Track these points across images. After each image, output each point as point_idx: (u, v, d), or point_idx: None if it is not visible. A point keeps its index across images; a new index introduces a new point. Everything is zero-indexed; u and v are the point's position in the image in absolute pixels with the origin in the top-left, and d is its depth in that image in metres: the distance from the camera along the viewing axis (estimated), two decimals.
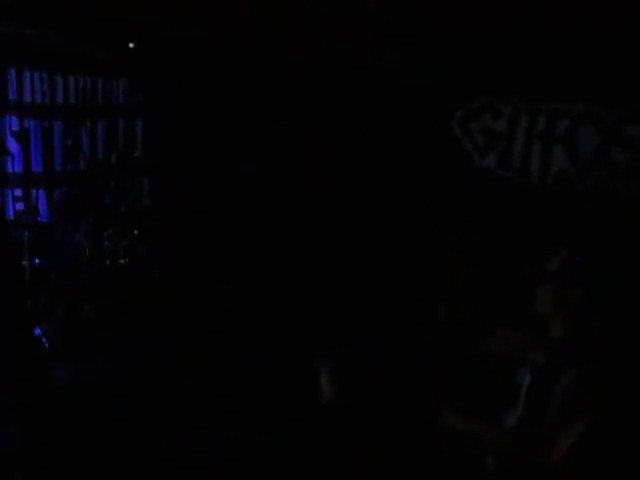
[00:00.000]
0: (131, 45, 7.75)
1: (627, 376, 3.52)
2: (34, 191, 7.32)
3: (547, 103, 6.12)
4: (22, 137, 7.14)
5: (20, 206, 7.16)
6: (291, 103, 7.29)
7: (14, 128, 7.07)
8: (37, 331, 6.31)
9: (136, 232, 7.66)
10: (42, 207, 7.40)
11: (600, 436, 2.99)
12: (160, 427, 5.15)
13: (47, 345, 6.24)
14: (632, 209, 5.77)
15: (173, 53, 7.68)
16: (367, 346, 4.19)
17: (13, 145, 7.07)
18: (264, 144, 7.53)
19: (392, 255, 6.33)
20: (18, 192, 7.16)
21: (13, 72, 6.96)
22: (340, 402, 3.81)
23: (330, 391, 3.83)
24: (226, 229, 7.47)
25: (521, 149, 6.31)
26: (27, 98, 7.13)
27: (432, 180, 6.54)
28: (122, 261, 7.41)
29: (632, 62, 5.65)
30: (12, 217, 7.07)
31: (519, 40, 6.06)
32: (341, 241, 6.68)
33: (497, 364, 3.75)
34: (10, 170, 7.07)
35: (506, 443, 3.17)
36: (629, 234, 5.65)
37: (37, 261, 6.71)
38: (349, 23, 7.00)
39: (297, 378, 4.84)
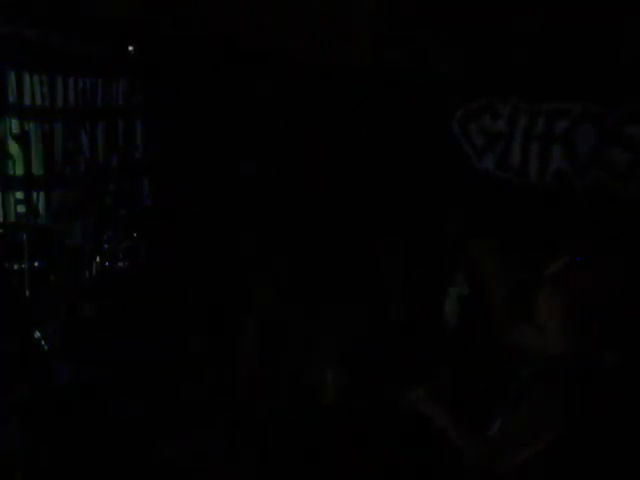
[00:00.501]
0: (130, 48, 7.76)
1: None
2: (35, 194, 7.32)
3: (547, 103, 6.12)
4: (23, 140, 7.14)
5: (21, 209, 7.17)
6: (291, 103, 7.29)
7: (15, 131, 7.08)
8: (37, 332, 6.30)
9: (135, 234, 7.67)
10: (42, 209, 7.40)
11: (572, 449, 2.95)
12: (160, 427, 5.14)
13: (47, 346, 6.23)
14: (632, 209, 5.76)
15: (173, 53, 7.68)
16: (368, 346, 4.19)
17: (14, 148, 7.08)
18: (264, 144, 7.53)
19: (391, 255, 6.33)
20: (19, 195, 7.17)
21: (13, 74, 6.96)
22: (341, 402, 3.81)
23: (332, 391, 3.83)
24: (226, 230, 7.46)
25: (520, 149, 6.31)
26: (27, 101, 7.13)
27: (432, 180, 6.54)
28: (121, 263, 7.43)
29: (632, 62, 5.66)
30: (13, 220, 7.07)
31: (519, 40, 6.07)
32: (340, 241, 6.68)
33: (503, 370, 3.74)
34: (11, 173, 7.08)
35: (462, 445, 3.14)
36: (629, 234, 5.63)
37: (37, 263, 6.70)
38: (349, 23, 7.01)
39: (297, 378, 4.84)
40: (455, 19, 6.36)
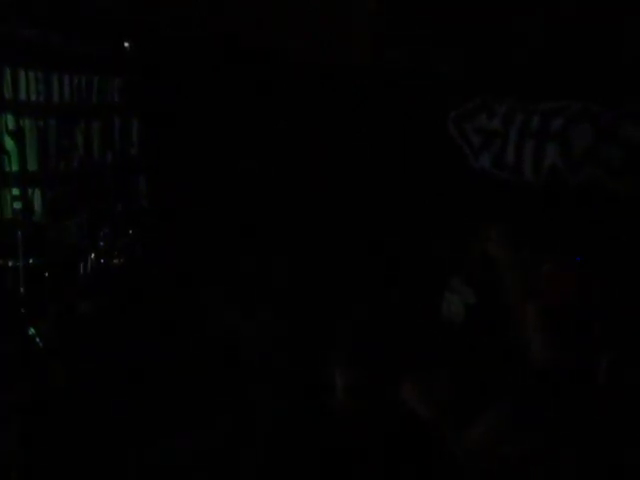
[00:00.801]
0: (126, 44, 7.73)
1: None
2: (30, 190, 7.30)
3: (545, 103, 6.13)
4: (18, 136, 7.11)
5: (17, 205, 7.15)
6: (291, 103, 7.29)
7: (10, 127, 7.05)
8: (31, 330, 6.28)
9: (131, 232, 7.65)
10: (38, 206, 7.37)
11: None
12: (160, 427, 5.13)
13: (41, 345, 6.21)
14: (629, 208, 5.77)
15: (172, 52, 7.66)
16: (369, 346, 4.18)
17: (9, 144, 7.05)
18: (264, 144, 7.52)
19: (391, 254, 6.34)
20: (15, 191, 7.14)
21: (9, 71, 6.93)
22: (345, 402, 3.79)
23: (339, 391, 3.81)
24: (224, 229, 7.46)
25: (514, 147, 6.31)
26: (22, 97, 7.10)
27: (432, 180, 6.55)
28: (116, 261, 7.41)
29: (632, 62, 5.67)
30: (9, 216, 7.05)
31: (519, 40, 6.08)
32: (339, 241, 6.69)
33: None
34: (7, 169, 7.05)
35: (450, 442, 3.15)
36: (626, 233, 5.65)
37: (32, 260, 6.68)
38: (349, 23, 7.01)
39: (300, 379, 4.85)
40: (455, 19, 6.36)
